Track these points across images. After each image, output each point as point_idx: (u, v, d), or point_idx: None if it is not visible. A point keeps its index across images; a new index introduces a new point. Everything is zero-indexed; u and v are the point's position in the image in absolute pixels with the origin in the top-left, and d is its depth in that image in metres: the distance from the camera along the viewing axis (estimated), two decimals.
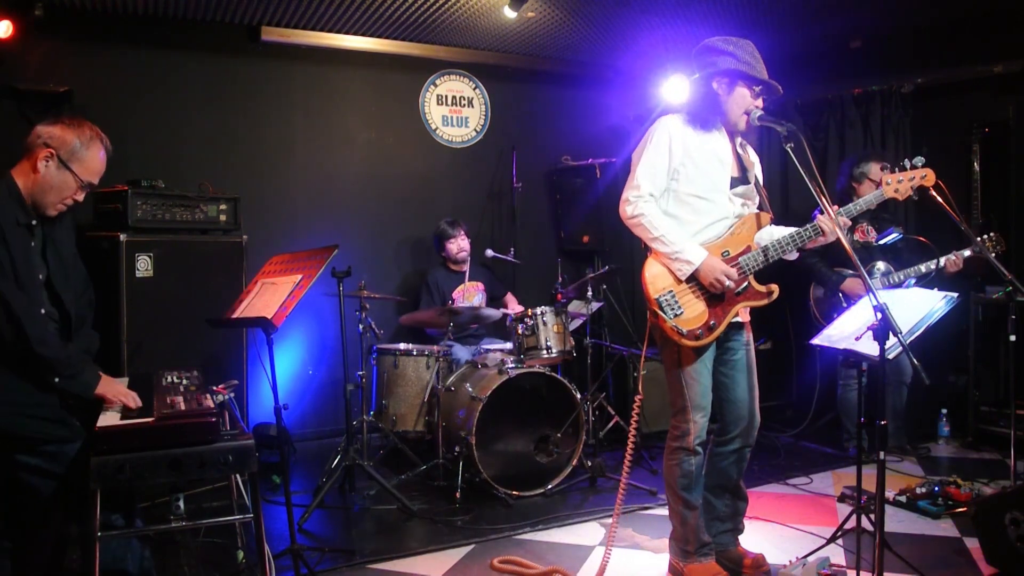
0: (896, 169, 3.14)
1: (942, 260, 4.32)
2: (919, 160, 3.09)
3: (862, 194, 4.64)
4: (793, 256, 3.08)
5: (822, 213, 2.90)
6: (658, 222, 2.95)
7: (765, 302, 3.02)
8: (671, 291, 2.95)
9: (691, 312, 2.95)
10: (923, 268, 4.40)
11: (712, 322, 2.95)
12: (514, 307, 5.38)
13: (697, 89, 3.05)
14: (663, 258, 2.97)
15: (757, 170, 3.16)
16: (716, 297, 2.96)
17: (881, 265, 4.58)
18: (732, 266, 2.96)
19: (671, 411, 3.06)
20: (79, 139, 2.58)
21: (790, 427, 5.40)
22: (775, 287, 3.03)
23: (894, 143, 5.43)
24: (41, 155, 2.54)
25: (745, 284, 2.99)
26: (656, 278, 2.96)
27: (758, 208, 3.13)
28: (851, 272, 4.54)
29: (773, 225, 3.11)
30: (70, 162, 2.57)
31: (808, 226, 2.99)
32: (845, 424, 4.88)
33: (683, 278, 2.95)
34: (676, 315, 2.93)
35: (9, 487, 2.48)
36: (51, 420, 2.49)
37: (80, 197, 2.65)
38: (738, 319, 3.04)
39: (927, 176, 3.10)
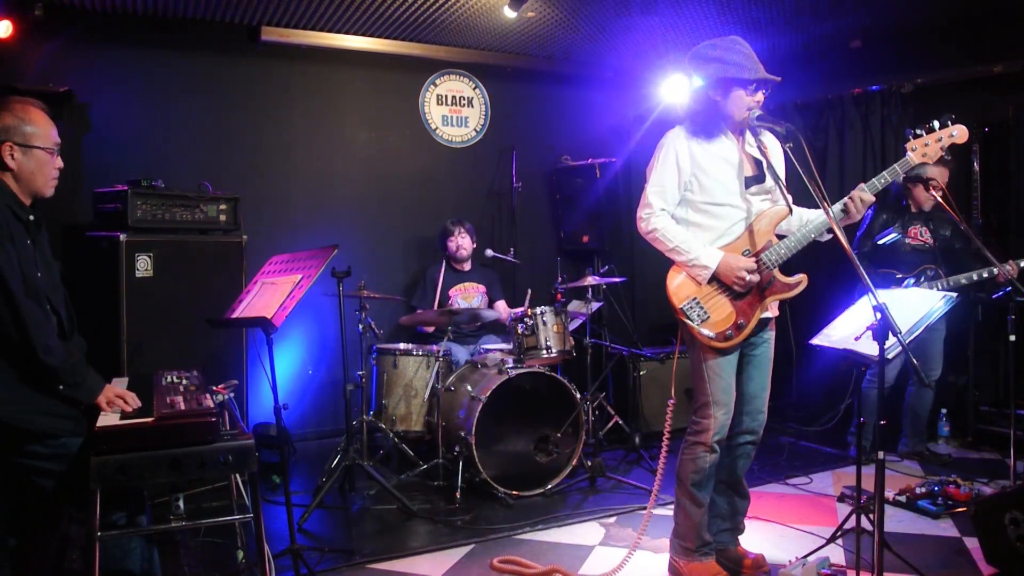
0: (925, 132, 2.82)
1: (995, 269, 4.26)
2: (948, 118, 2.79)
3: (917, 196, 4.57)
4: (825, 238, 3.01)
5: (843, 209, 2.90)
6: (672, 233, 2.97)
7: (793, 293, 3.00)
8: (694, 298, 2.97)
9: (718, 315, 2.96)
10: (975, 276, 4.32)
11: (741, 321, 2.96)
12: (502, 310, 5.26)
13: (696, 100, 3.05)
14: (683, 267, 3.00)
15: (776, 157, 3.09)
16: (742, 296, 2.97)
17: (930, 270, 4.51)
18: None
19: (692, 406, 3.07)
20: (16, 117, 2.54)
21: (791, 427, 5.40)
22: (803, 277, 3.00)
23: (894, 143, 5.41)
24: (3, 152, 2.51)
25: (771, 279, 2.98)
26: (679, 288, 3.00)
27: (778, 201, 3.09)
28: (899, 275, 4.48)
29: (802, 209, 3.09)
30: (28, 141, 2.54)
31: (813, 226, 2.96)
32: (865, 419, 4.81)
33: (703, 282, 2.97)
34: (703, 320, 2.95)
35: (16, 484, 2.47)
36: (60, 416, 2.48)
37: (60, 163, 2.64)
38: (767, 314, 3.04)
39: (959, 133, 2.78)
